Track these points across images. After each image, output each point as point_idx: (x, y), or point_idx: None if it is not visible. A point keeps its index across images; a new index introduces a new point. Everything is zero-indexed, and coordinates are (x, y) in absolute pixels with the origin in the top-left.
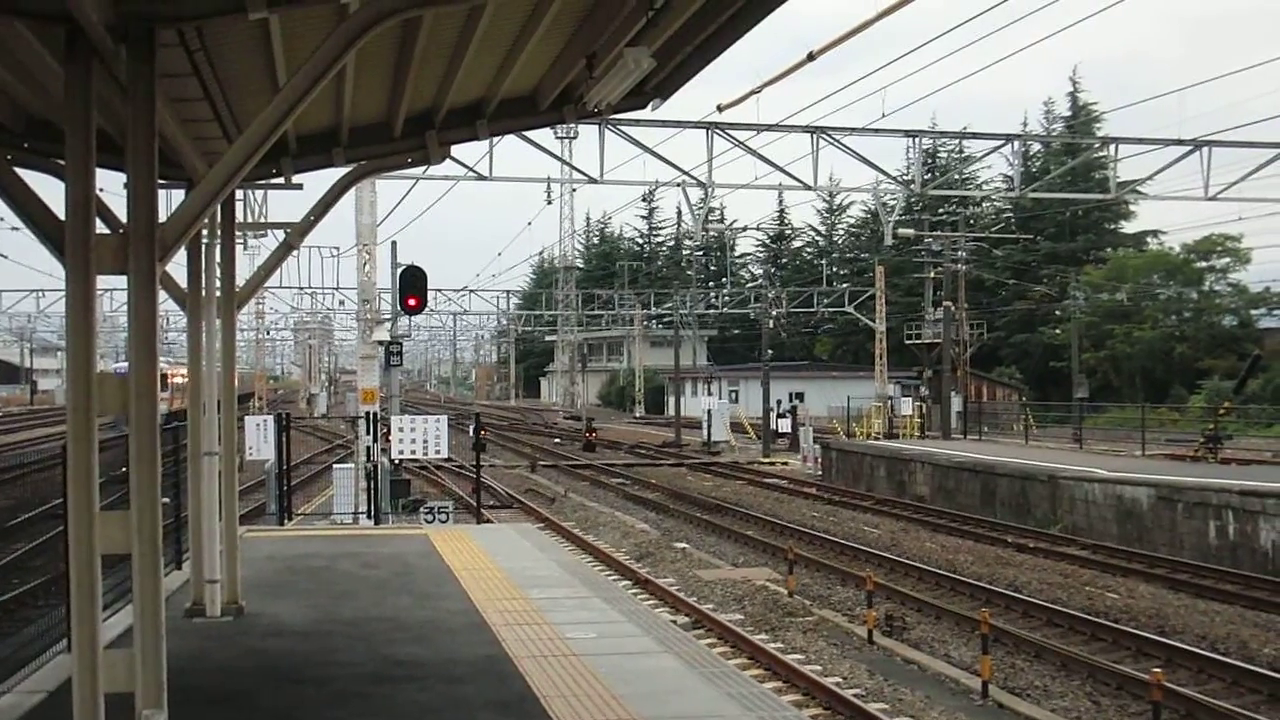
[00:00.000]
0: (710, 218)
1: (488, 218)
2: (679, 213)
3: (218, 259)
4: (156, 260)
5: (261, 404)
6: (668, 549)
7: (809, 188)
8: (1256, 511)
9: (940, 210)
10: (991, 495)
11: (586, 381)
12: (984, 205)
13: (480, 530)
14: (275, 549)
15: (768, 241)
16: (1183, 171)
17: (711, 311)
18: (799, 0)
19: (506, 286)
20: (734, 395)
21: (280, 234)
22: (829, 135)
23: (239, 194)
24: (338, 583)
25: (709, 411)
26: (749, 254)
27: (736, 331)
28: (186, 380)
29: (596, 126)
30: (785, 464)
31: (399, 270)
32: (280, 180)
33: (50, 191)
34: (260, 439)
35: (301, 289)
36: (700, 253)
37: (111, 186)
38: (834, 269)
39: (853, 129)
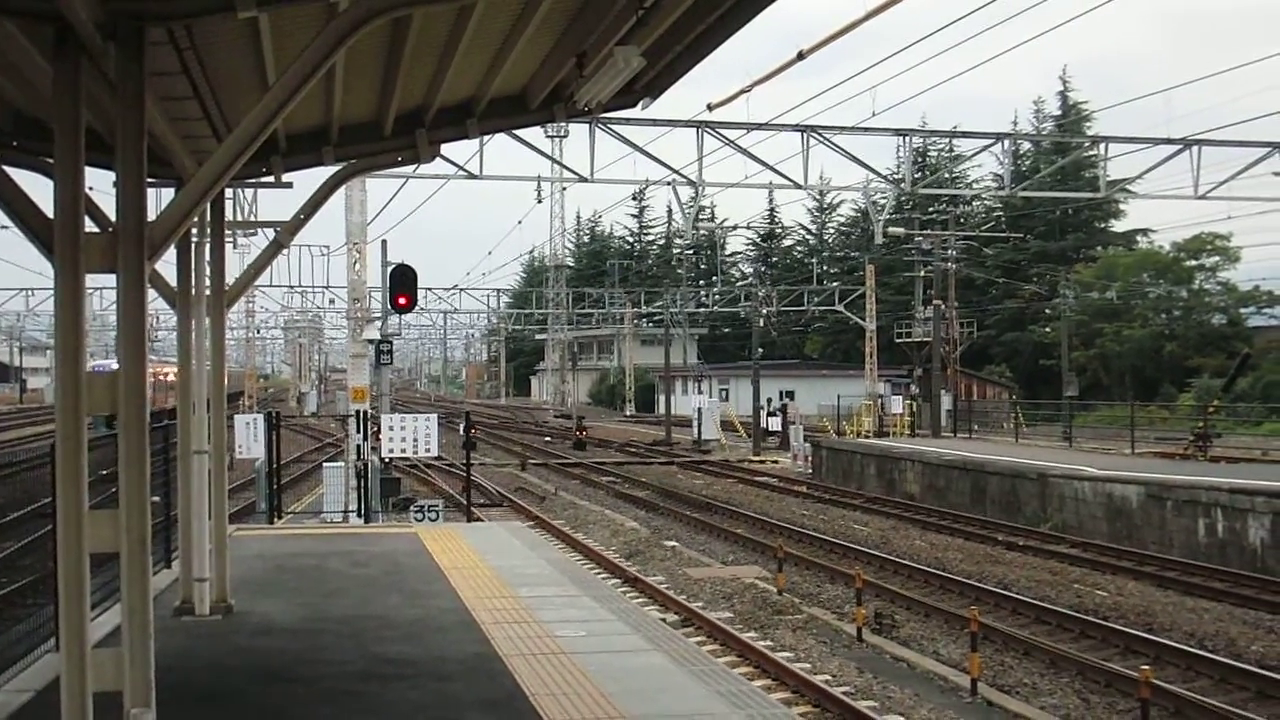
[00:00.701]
0: (700, 216)
1: (478, 216)
2: (669, 211)
3: (207, 257)
4: (146, 259)
5: (251, 402)
6: (657, 547)
7: (799, 186)
8: (1245, 509)
9: (930, 209)
10: (981, 493)
11: (577, 380)
12: (974, 204)
13: (470, 529)
14: (265, 547)
15: (758, 240)
16: (1172, 170)
17: (702, 310)
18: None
19: (497, 285)
20: (724, 394)
21: (270, 232)
22: (819, 134)
23: (229, 192)
24: (327, 581)
25: (699, 410)
26: (739, 253)
27: (727, 330)
28: (168, 378)
29: (587, 125)
30: (775, 462)
31: (389, 269)
32: (270, 179)
33: (39, 190)
34: (250, 437)
35: (291, 287)
36: (690, 251)
37: (101, 185)
38: (824, 268)
39: (843, 128)
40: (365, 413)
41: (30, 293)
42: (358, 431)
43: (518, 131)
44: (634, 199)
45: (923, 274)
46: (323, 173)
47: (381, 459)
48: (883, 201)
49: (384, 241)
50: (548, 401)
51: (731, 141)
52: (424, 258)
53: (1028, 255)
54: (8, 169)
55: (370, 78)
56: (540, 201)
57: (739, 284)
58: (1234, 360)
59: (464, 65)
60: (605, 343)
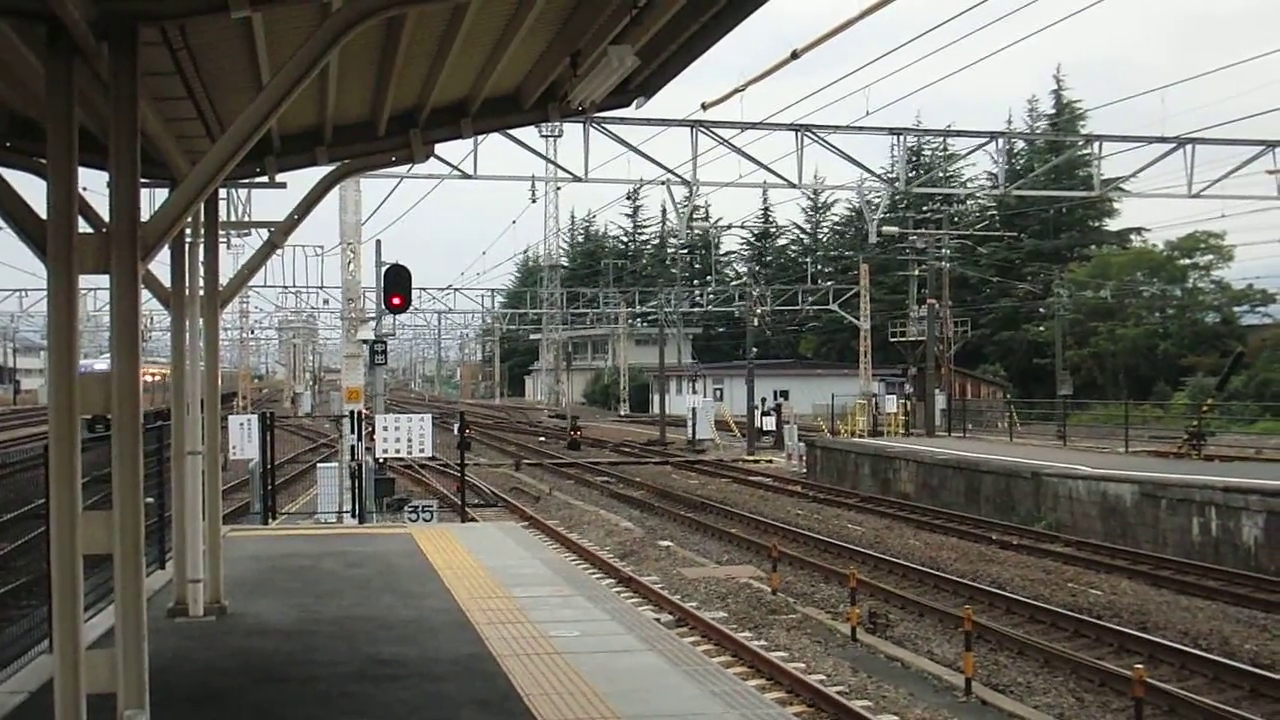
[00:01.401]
0: (695, 216)
1: (472, 215)
2: (663, 211)
3: (201, 258)
4: (139, 259)
5: (246, 403)
6: (652, 547)
7: (793, 186)
8: (1239, 508)
9: (925, 208)
10: (976, 492)
11: (571, 380)
12: (968, 203)
13: (464, 529)
14: (259, 548)
15: (752, 239)
16: (1166, 169)
17: (696, 309)
18: None
19: (491, 285)
20: (719, 393)
21: (264, 233)
22: (813, 133)
23: (222, 193)
24: (321, 582)
25: (694, 410)
26: (733, 252)
27: (721, 329)
28: (156, 379)
29: (581, 125)
30: (770, 462)
31: (383, 269)
32: (264, 179)
33: (32, 190)
34: (244, 438)
35: (286, 288)
36: (685, 251)
37: (94, 185)
38: (819, 267)
39: (837, 127)
40: (359, 413)
41: (24, 293)
42: (352, 432)
43: (512, 131)
44: (628, 198)
45: (917, 273)
46: (317, 173)
47: (376, 459)
48: (877, 200)
49: (378, 241)
50: (542, 401)
51: (726, 141)
52: (418, 257)
53: (1022, 254)
54: (0, 169)
55: (364, 77)
56: (534, 201)
57: (733, 283)
58: (1228, 359)
59: (458, 65)
60: (600, 342)
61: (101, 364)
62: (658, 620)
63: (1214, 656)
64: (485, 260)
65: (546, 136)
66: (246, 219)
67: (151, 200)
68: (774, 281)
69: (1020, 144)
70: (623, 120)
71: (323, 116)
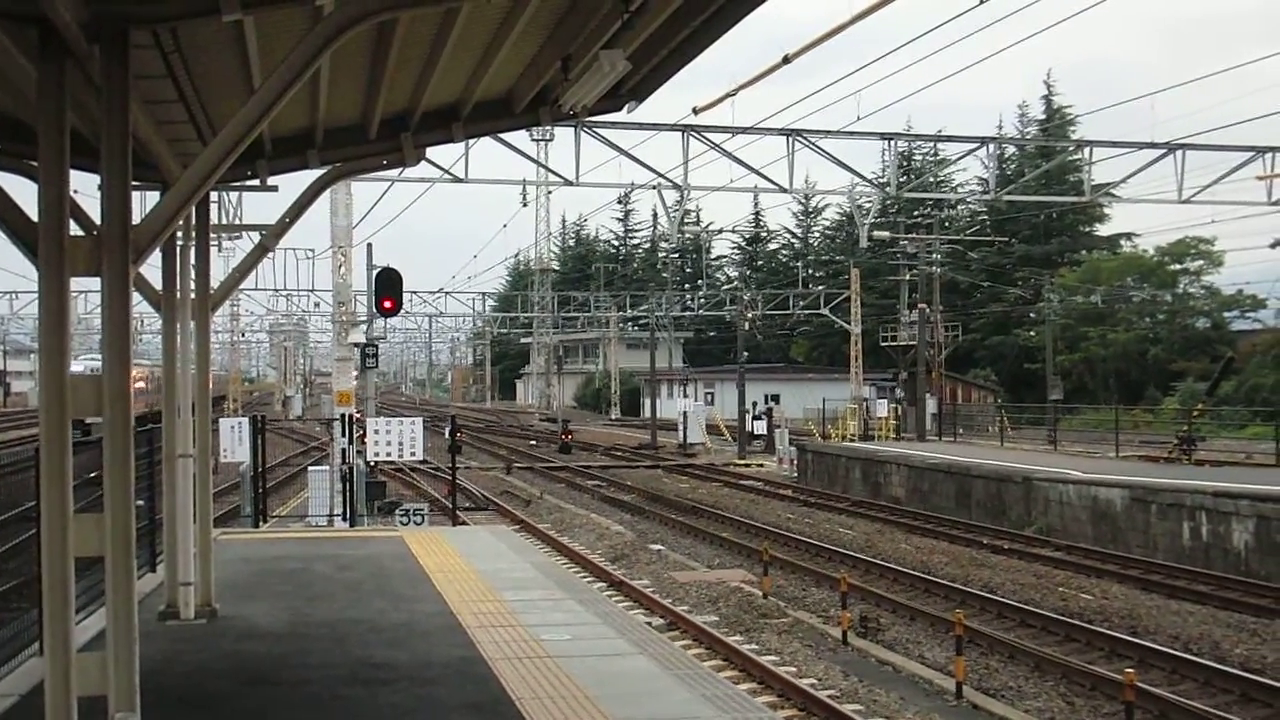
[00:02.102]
0: (686, 220)
1: (463, 219)
2: (654, 215)
3: (192, 261)
4: (130, 262)
5: (236, 406)
6: (643, 551)
7: (784, 190)
8: (1229, 513)
9: (915, 213)
10: (966, 497)
11: (562, 383)
12: (959, 208)
13: (455, 532)
14: (250, 551)
15: (743, 244)
16: (1156, 174)
17: (687, 314)
18: (774, 3)
19: (482, 288)
20: (710, 397)
21: (255, 236)
22: (804, 138)
23: (214, 196)
24: (312, 585)
25: (685, 413)
26: (724, 256)
27: (712, 333)
28: (142, 384)
29: (572, 129)
30: (761, 466)
31: (374, 272)
32: (255, 182)
33: (23, 193)
34: (235, 441)
35: (277, 291)
36: (676, 255)
37: (85, 188)
38: (809, 271)
39: (828, 132)
40: (350, 416)
41: (14, 296)
42: (343, 435)
43: (503, 135)
44: (619, 202)
45: (908, 278)
46: (308, 176)
47: (367, 463)
48: (868, 205)
49: (369, 245)
50: (533, 405)
51: (717, 145)
52: (409, 260)
53: (1012, 259)
54: None
55: (355, 81)
56: (525, 205)
57: (724, 287)
58: (1218, 364)
59: (449, 69)
60: (590, 346)
61: (77, 365)
62: (649, 624)
63: (1205, 661)
64: (476, 264)
65: (538, 140)
66: (238, 222)
67: (143, 203)
68: (765, 286)
69: (1011, 149)
70: (614, 124)
71: (314, 120)
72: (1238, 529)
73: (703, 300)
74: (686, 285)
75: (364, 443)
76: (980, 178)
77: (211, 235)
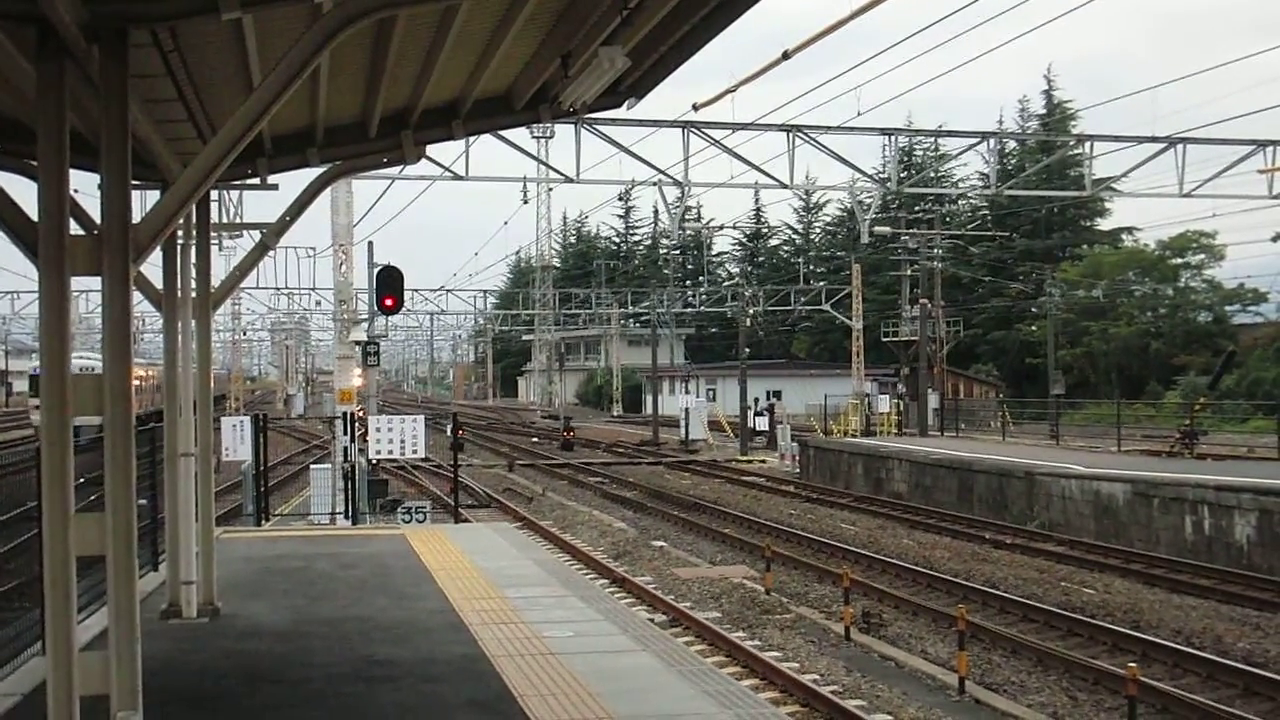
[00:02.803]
0: (687, 216)
1: (464, 215)
2: (655, 211)
3: (193, 260)
4: (131, 261)
5: (238, 404)
6: (645, 547)
7: (785, 186)
8: (1231, 506)
9: (916, 208)
10: (969, 492)
11: (564, 381)
12: (960, 203)
13: (458, 530)
14: (252, 550)
15: (744, 240)
16: (1157, 168)
17: (689, 310)
18: None
19: (484, 286)
20: (711, 394)
21: (256, 234)
22: (805, 134)
23: (214, 195)
24: (315, 583)
25: (686, 410)
26: (726, 252)
27: (714, 330)
28: (136, 382)
29: (572, 126)
30: (763, 462)
31: (375, 270)
32: (255, 181)
33: (23, 192)
34: (237, 440)
35: (278, 289)
36: (677, 251)
37: (86, 187)
38: (811, 267)
39: (828, 127)
40: (351, 414)
41: (15, 295)
42: (344, 433)
43: (503, 132)
44: (620, 199)
45: (909, 273)
46: (308, 174)
47: (369, 461)
48: (869, 201)
49: (370, 243)
50: (535, 402)
51: (717, 141)
52: (410, 258)
53: (1013, 254)
54: None
55: (355, 79)
56: (526, 202)
57: (725, 284)
58: (1219, 358)
59: (449, 66)
60: (592, 343)
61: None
62: (651, 620)
63: (1207, 655)
64: (477, 261)
65: (538, 137)
66: (238, 221)
67: (143, 202)
68: (766, 282)
69: (1012, 144)
70: (614, 121)
71: (314, 118)
72: (1240, 523)
73: (704, 296)
74: (688, 281)
75: (366, 441)
76: (981, 173)
77: (212, 234)
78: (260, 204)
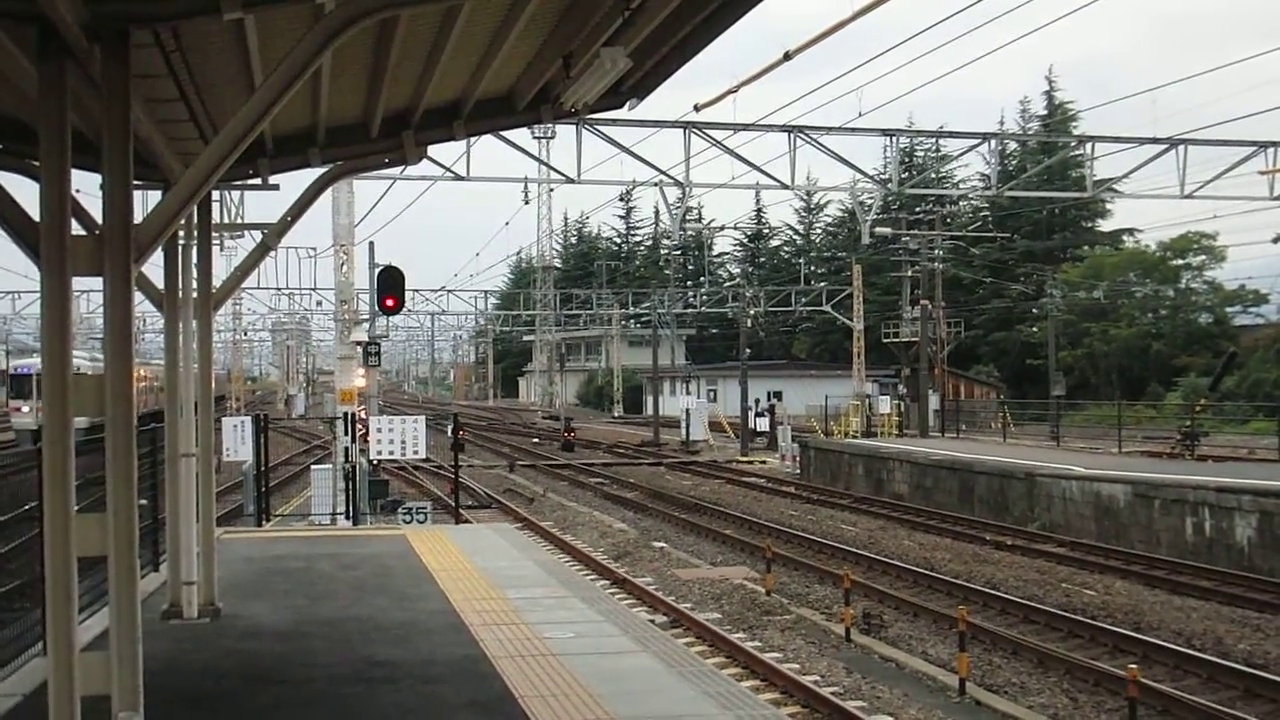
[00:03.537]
0: (688, 217)
1: (465, 216)
2: (656, 212)
3: (194, 260)
4: (132, 261)
5: (239, 405)
6: (646, 548)
7: (786, 187)
8: (1232, 508)
9: (917, 209)
10: (969, 493)
11: (565, 381)
12: (961, 204)
13: (458, 530)
14: (253, 550)
15: (745, 241)
16: (1158, 170)
17: (689, 311)
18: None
19: (484, 286)
20: (712, 394)
21: (257, 235)
22: (806, 134)
23: (215, 195)
24: (315, 584)
25: (687, 411)
26: (727, 253)
27: (715, 331)
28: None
29: (573, 126)
30: (763, 463)
31: (376, 270)
32: (257, 181)
33: (25, 192)
34: (238, 440)
35: (279, 290)
36: (678, 252)
37: (87, 188)
38: (812, 268)
39: (830, 128)
40: (352, 415)
41: (17, 295)
42: (345, 434)
43: (504, 133)
44: (621, 200)
45: (910, 274)
46: (310, 175)
47: (370, 461)
48: (870, 202)
49: (371, 243)
50: (536, 403)
51: (718, 142)
52: (411, 258)
53: (1014, 255)
54: None
55: (357, 79)
56: (527, 202)
57: (726, 284)
58: (1220, 359)
59: (450, 66)
60: (593, 344)
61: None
62: (652, 621)
63: (1208, 656)
64: (479, 262)
65: (539, 138)
66: (240, 221)
67: (144, 202)
68: (767, 283)
69: (1013, 145)
70: (615, 122)
71: (315, 118)
72: (1241, 524)
73: (705, 297)
74: (689, 282)
75: (366, 441)
76: (982, 174)
77: (213, 234)
78: (261, 204)
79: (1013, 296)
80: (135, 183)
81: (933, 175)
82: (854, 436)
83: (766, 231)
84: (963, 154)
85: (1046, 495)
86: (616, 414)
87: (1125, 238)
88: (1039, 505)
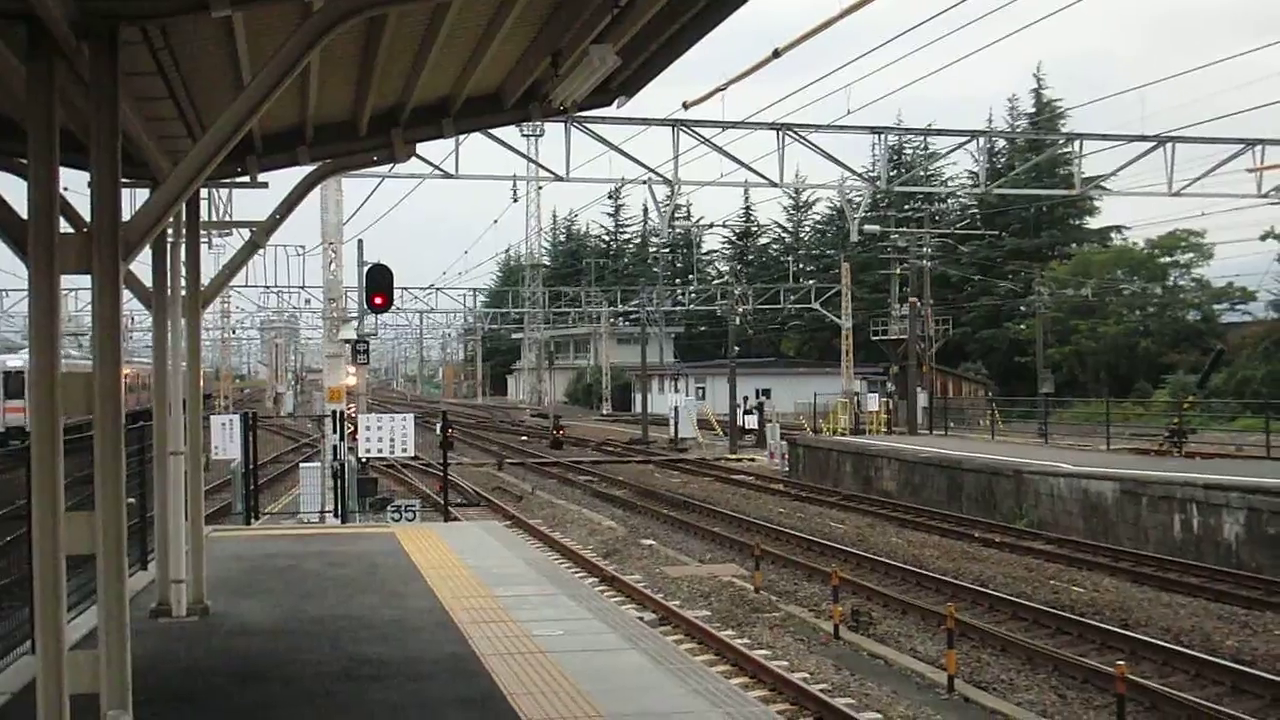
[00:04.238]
0: (676, 215)
1: (454, 213)
2: (645, 210)
3: (183, 258)
4: (120, 260)
5: (227, 403)
6: (635, 546)
7: (775, 185)
8: (1220, 505)
9: (906, 207)
10: (958, 490)
11: (553, 379)
12: (949, 202)
13: (447, 528)
14: (241, 548)
15: (734, 238)
16: (1146, 167)
17: (678, 308)
18: None
19: (473, 284)
20: (701, 392)
21: (246, 233)
22: (795, 132)
23: (204, 193)
24: (304, 582)
25: (676, 408)
26: (715, 251)
27: (703, 328)
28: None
29: (562, 124)
30: (752, 460)
31: (365, 268)
32: (245, 179)
33: (13, 190)
34: (226, 438)
35: (267, 288)
36: (666, 250)
37: (76, 185)
38: (800, 266)
39: (818, 126)
40: (341, 412)
41: (4, 294)
42: (334, 431)
43: (493, 130)
44: (610, 198)
45: (898, 271)
46: (298, 172)
47: (358, 459)
48: (858, 199)
49: (360, 241)
50: (524, 401)
51: (707, 140)
52: (400, 256)
53: (1003, 252)
54: None
55: (345, 77)
56: (516, 200)
57: (715, 282)
58: (1208, 356)
59: (439, 64)
60: (582, 341)
61: (16, 359)
62: (641, 619)
63: (1196, 653)
64: (467, 260)
65: (528, 136)
66: (228, 219)
67: (133, 200)
68: (756, 280)
69: (1001, 143)
70: (604, 119)
71: (304, 116)
72: (1228, 521)
73: (694, 295)
74: (677, 280)
75: (355, 439)
76: (970, 171)
77: (202, 232)
78: (250, 202)
79: (1001, 294)
80: (124, 180)
81: (921, 173)
82: (842, 434)
83: (755, 229)
84: (951, 152)
85: (1034, 492)
86: (605, 412)
87: (1113, 235)
88: (1027, 502)
